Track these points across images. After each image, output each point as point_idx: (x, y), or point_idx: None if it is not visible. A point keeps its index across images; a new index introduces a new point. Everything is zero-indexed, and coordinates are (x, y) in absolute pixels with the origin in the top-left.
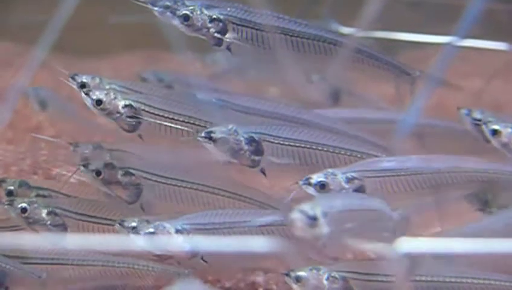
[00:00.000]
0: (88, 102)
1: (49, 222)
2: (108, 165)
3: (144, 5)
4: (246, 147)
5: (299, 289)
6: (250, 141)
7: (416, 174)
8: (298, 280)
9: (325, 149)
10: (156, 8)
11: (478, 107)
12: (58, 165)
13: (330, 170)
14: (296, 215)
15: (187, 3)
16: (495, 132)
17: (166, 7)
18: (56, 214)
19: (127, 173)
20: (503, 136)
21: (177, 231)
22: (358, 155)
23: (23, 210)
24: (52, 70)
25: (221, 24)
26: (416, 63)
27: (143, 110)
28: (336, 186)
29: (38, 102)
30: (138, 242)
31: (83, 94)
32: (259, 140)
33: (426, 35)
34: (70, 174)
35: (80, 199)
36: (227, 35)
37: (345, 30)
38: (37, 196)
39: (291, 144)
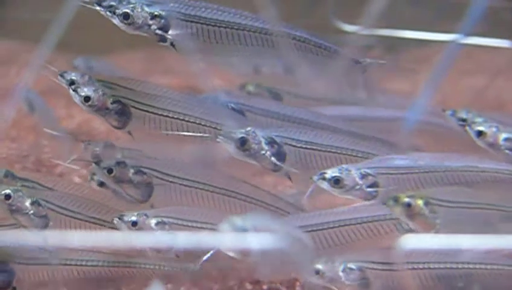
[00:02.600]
0: (76, 99)
1: (31, 212)
2: (120, 164)
3: (89, 6)
4: (266, 148)
5: (317, 281)
6: (271, 142)
7: (430, 172)
8: (316, 272)
9: (344, 153)
10: (99, 8)
11: (480, 106)
12: (62, 162)
13: (345, 166)
14: (225, 227)
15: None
16: (480, 133)
17: (110, 7)
18: (40, 205)
19: (138, 172)
20: (488, 136)
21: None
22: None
23: (7, 197)
24: (48, 69)
25: (163, 21)
26: (420, 61)
27: (132, 106)
28: (350, 182)
29: (28, 104)
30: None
31: (71, 91)
32: (281, 142)
33: (430, 33)
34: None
35: (65, 194)
36: (170, 32)
37: (349, 28)
38: (22, 186)
39: (309, 147)
